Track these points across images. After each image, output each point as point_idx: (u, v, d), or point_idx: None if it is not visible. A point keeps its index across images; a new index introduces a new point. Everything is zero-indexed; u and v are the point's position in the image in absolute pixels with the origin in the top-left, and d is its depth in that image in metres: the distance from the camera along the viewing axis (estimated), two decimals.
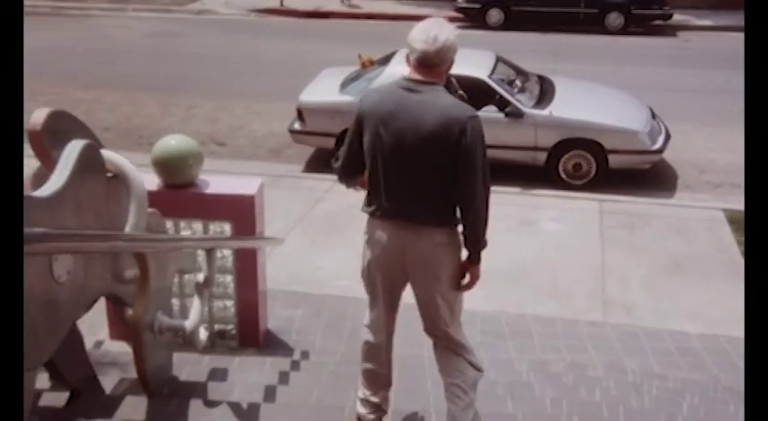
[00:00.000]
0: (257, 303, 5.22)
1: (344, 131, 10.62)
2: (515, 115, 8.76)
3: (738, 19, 18.76)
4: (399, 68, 9.27)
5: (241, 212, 4.87)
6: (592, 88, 10.24)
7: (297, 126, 9.58)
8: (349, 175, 3.55)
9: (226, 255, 5.03)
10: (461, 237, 3.38)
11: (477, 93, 9.04)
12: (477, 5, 18.16)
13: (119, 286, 3.44)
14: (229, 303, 5.13)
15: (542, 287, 6.34)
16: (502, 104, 8.82)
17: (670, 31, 18.04)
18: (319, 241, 7.21)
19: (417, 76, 3.25)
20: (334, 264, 6.63)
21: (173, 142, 4.71)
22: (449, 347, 3.59)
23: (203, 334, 3.83)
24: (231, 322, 5.15)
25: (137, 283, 3.55)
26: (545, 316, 5.85)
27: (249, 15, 20.29)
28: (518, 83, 9.45)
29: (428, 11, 17.75)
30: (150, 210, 3.58)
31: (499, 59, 9.81)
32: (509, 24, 17.76)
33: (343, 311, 5.72)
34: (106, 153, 3.28)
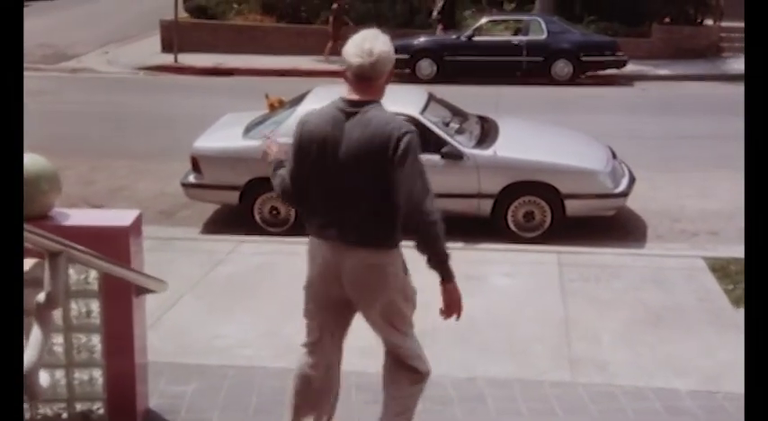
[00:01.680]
0: (134, 375, 4.89)
1: (250, 182, 10.31)
2: (454, 156, 8.60)
3: (697, 68, 19.54)
4: (311, 107, 9.24)
5: (112, 250, 4.47)
6: (541, 127, 10.23)
7: (192, 179, 9.23)
8: (290, 200, 4.07)
9: (92, 308, 4.63)
10: (403, 259, 3.84)
11: None
12: (406, 56, 18.36)
13: None
14: (96, 373, 4.76)
15: (494, 346, 6.09)
16: (437, 145, 8.66)
17: (625, 81, 18.53)
18: (219, 307, 6.87)
19: (354, 97, 3.67)
20: (237, 331, 6.40)
21: None
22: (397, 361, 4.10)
23: (44, 379, 3.31)
24: (98, 399, 4.76)
25: None
26: (500, 377, 5.60)
27: (137, 73, 20.21)
28: (455, 123, 9.35)
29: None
30: None
31: (432, 98, 9.73)
32: (443, 77, 17.95)
33: (248, 383, 5.54)
34: None
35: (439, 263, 3.77)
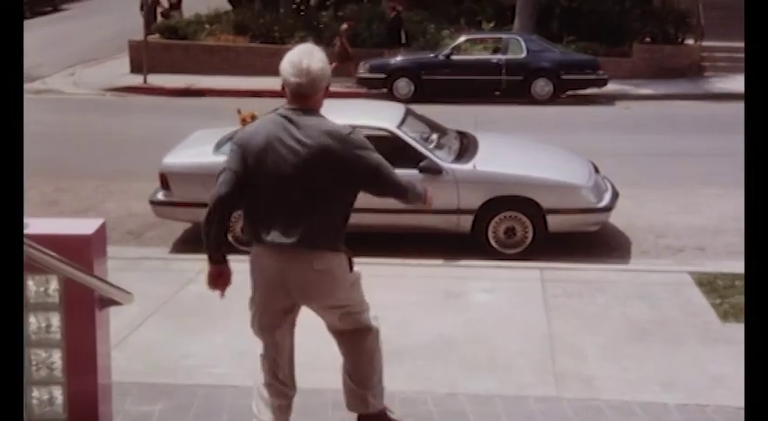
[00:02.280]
0: (96, 394, 4.76)
1: None
2: (432, 171, 8.56)
3: (679, 87, 19.71)
4: None
5: (73, 261, 4.37)
6: (522, 142, 10.23)
7: (160, 196, 9.14)
8: (225, 207, 4.13)
9: (52, 322, 4.52)
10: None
11: (384, 146, 8.85)
12: (382, 75, 18.41)
13: None
14: (57, 392, 4.61)
15: (475, 362, 6.03)
16: (415, 159, 8.62)
17: (606, 100, 18.64)
18: (189, 326, 6.78)
19: (294, 105, 3.88)
20: (208, 350, 6.32)
21: None
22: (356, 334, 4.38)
23: None
24: (59, 420, 4.61)
25: None
26: (482, 394, 5.54)
27: (104, 95, 20.13)
28: (434, 138, 9.33)
29: None
30: None
31: (410, 112, 9.71)
32: (420, 96, 17.96)
33: (218, 402, 5.47)
34: None
35: (419, 198, 4.31)
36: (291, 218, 3.87)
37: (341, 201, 3.97)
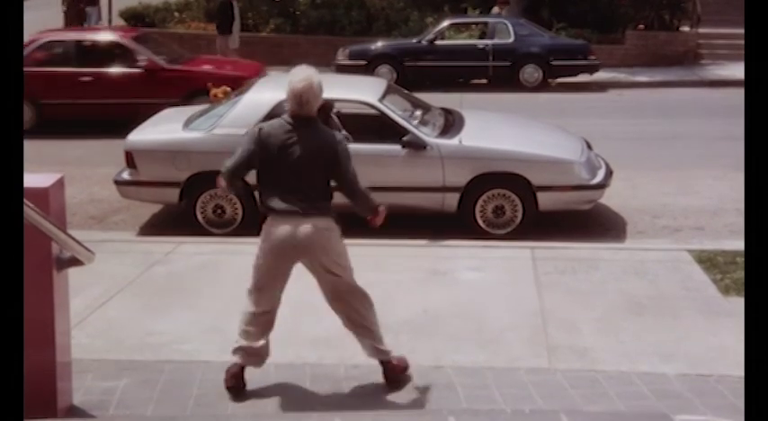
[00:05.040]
0: (53, 370, 4.77)
1: (192, 178, 10.07)
2: (415, 146, 8.48)
3: (674, 75, 19.74)
4: (258, 96, 9.14)
5: None
6: (510, 119, 10.17)
7: (126, 175, 9.02)
8: (235, 175, 5.32)
9: None
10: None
11: (365, 122, 8.82)
12: (363, 61, 18.32)
13: None
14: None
15: (463, 336, 6.01)
16: (397, 134, 8.55)
17: (598, 88, 18.62)
18: (155, 305, 6.73)
19: (297, 114, 5.14)
20: (176, 327, 6.30)
21: None
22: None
23: None
24: None
25: None
26: (469, 366, 5.51)
27: None
28: (417, 113, 9.25)
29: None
30: None
31: (392, 87, 9.65)
32: (403, 84, 17.74)
33: (187, 378, 5.45)
34: None
35: (369, 209, 5.31)
36: (297, 195, 5.11)
37: (331, 183, 5.27)
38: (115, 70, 14.25)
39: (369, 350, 5.25)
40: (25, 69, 13.25)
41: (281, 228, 5.07)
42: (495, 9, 20.38)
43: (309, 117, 5.15)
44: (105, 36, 15.31)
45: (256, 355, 5.22)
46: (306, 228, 5.04)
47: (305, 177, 5.10)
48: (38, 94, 12.78)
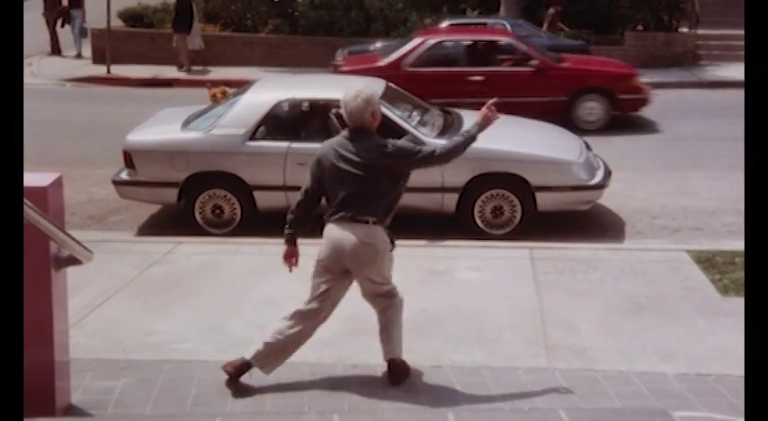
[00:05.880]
0: (52, 370, 4.77)
1: (191, 178, 10.09)
2: None
3: (673, 76, 19.75)
4: (257, 96, 9.15)
5: None
6: (509, 119, 10.13)
7: (124, 175, 9.03)
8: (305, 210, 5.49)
9: None
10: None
11: None
12: None
13: None
14: None
15: (461, 335, 6.04)
16: (396, 134, 8.52)
17: None
18: (154, 304, 6.75)
19: (352, 128, 5.29)
20: (174, 327, 6.31)
21: None
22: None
23: None
24: None
25: None
26: (468, 365, 5.53)
27: (64, 85, 19.88)
28: (416, 114, 9.27)
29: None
30: None
31: (390, 87, 9.65)
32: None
33: (186, 377, 5.45)
34: None
35: (472, 137, 5.46)
36: (357, 202, 5.26)
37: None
38: (507, 69, 14.24)
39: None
40: (415, 70, 13.86)
41: (333, 236, 5.21)
42: (551, 10, 20.64)
43: (362, 130, 5.27)
44: (495, 37, 15.26)
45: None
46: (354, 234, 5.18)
47: (360, 187, 5.20)
48: (426, 93, 12.07)
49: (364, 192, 5.21)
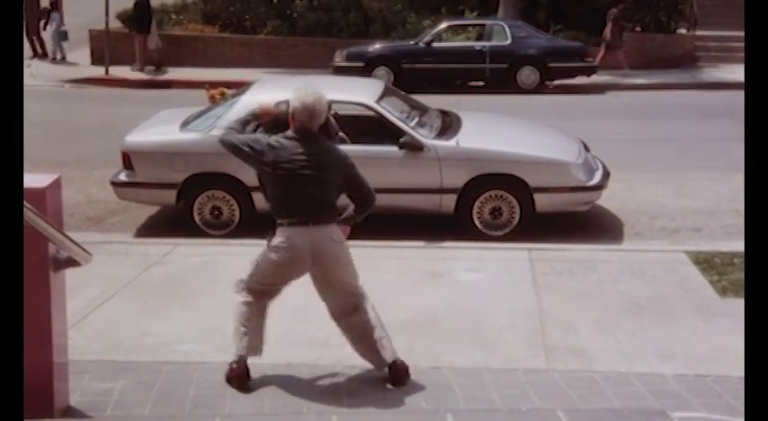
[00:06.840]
0: (50, 371, 4.77)
1: (189, 180, 10.04)
2: (413, 147, 8.50)
3: (672, 77, 19.77)
4: (256, 98, 9.13)
5: None
6: (508, 120, 10.18)
7: (123, 177, 9.02)
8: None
9: None
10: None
11: (363, 124, 8.82)
12: (360, 64, 18.34)
13: None
14: None
15: (460, 336, 6.04)
16: (395, 135, 8.56)
17: (596, 90, 18.65)
18: (153, 305, 6.74)
19: (305, 131, 5.33)
20: (173, 328, 6.31)
21: None
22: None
23: None
24: None
25: None
26: (467, 366, 5.54)
27: (63, 86, 19.91)
28: (415, 115, 9.27)
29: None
30: None
31: (389, 89, 9.66)
32: (400, 85, 17.76)
33: (185, 378, 5.44)
34: None
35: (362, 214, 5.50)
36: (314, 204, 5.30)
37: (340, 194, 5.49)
38: None
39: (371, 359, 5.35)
40: None
41: (296, 238, 5.17)
42: (614, 9, 20.34)
43: (315, 134, 5.33)
44: None
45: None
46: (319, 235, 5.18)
47: (318, 191, 5.22)
48: None
49: (325, 198, 5.31)
